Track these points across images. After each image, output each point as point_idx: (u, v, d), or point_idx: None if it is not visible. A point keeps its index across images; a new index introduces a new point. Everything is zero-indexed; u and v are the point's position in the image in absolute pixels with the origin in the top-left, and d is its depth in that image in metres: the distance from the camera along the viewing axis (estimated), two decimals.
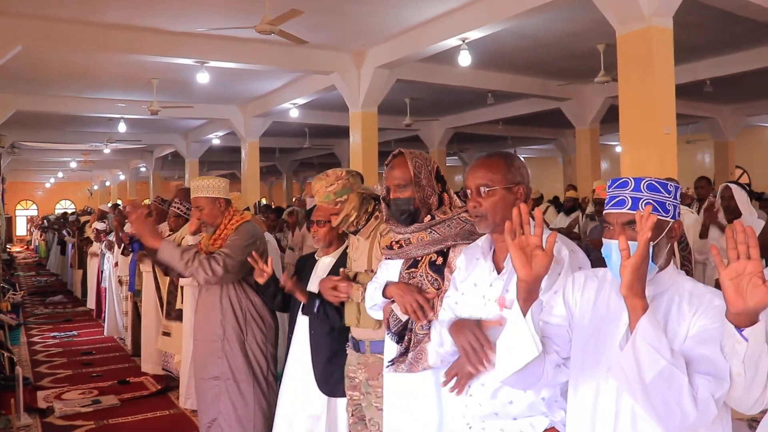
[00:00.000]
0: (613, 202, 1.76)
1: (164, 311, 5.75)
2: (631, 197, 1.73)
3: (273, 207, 9.33)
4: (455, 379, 2.13)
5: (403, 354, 2.45)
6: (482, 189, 2.09)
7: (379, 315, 2.64)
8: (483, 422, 2.07)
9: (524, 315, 1.75)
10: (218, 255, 3.64)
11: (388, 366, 2.51)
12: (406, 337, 2.47)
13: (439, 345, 2.22)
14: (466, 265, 2.23)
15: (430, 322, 2.40)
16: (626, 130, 6.05)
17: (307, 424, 3.32)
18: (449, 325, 2.14)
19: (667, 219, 1.73)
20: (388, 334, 2.53)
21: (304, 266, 3.50)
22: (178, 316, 5.46)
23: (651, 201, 1.71)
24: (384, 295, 2.54)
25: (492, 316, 2.06)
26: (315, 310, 3.22)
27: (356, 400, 2.96)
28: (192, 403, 5.30)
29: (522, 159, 2.21)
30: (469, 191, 2.14)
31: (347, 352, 3.04)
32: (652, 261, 1.69)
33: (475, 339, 2.01)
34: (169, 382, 6.14)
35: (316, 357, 3.26)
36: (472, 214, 2.14)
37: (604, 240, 1.77)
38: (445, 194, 2.61)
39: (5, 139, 15.01)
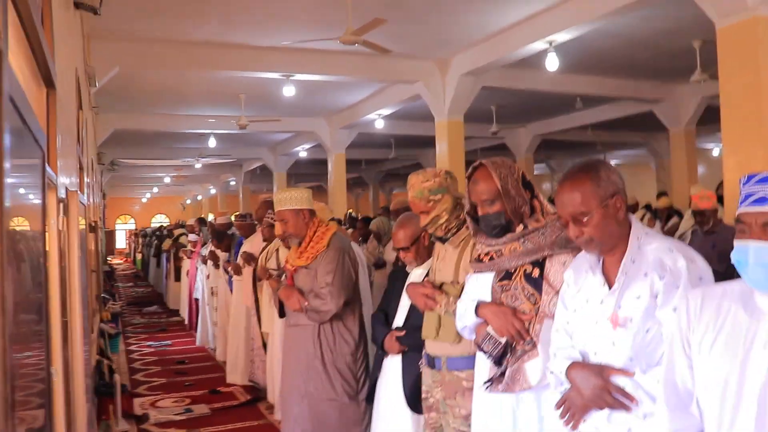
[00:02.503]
0: (752, 199, 1.55)
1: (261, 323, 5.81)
2: None
3: (360, 218, 9.31)
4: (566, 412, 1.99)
5: (501, 374, 2.31)
6: (578, 217, 1.94)
7: (471, 336, 2.50)
8: (596, 429, 1.91)
9: None
10: (321, 290, 3.68)
11: (485, 387, 2.36)
12: (505, 359, 2.33)
13: (558, 385, 2.07)
14: (575, 279, 2.07)
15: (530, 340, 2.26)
16: (729, 131, 5.69)
17: None
18: (569, 370, 1.98)
19: None
20: (487, 357, 2.38)
21: (396, 281, 3.41)
22: None
23: None
24: (476, 315, 2.41)
25: (604, 335, 1.93)
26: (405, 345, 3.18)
27: (433, 421, 2.82)
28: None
29: (610, 163, 2.01)
30: (564, 221, 1.99)
31: (421, 369, 2.92)
32: None
33: (609, 395, 1.88)
34: (257, 393, 6.19)
35: (407, 372, 3.14)
36: (576, 242, 1.99)
37: (737, 243, 1.57)
38: (535, 200, 2.45)
39: (105, 156, 15.71)
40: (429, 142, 12.23)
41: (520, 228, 2.38)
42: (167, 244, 12.49)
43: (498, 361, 2.33)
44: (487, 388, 2.34)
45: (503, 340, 2.31)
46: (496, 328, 2.31)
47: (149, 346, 9.31)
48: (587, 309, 1.99)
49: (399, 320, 3.22)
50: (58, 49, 2.76)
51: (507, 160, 2.50)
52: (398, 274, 3.45)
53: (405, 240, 3.10)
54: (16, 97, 0.93)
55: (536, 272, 2.31)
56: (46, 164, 1.65)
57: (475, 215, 2.47)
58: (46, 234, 2.05)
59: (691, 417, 1.65)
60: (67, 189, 2.69)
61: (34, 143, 1.29)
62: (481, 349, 2.39)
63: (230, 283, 6.99)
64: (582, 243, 1.96)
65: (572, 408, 1.95)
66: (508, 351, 2.31)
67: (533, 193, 2.46)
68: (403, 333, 3.15)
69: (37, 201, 1.47)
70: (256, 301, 5.82)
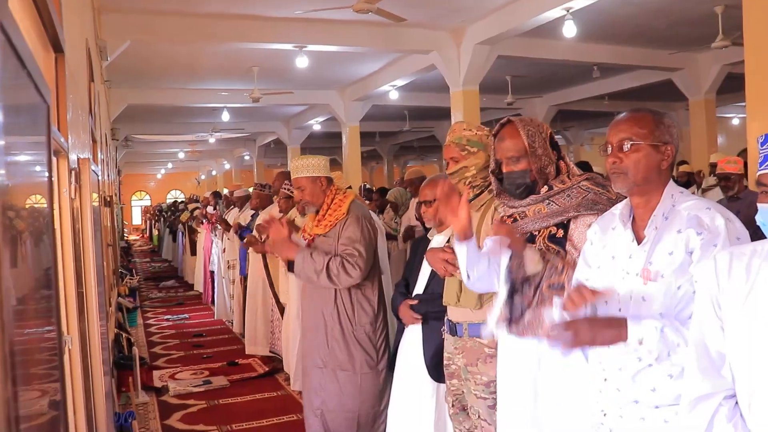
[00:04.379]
0: None
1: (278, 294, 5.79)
2: None
3: (375, 189, 9.26)
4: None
5: (520, 315, 2.22)
6: (625, 143, 1.86)
7: (483, 283, 2.42)
8: (620, 409, 1.85)
9: None
10: (353, 258, 3.51)
11: (498, 325, 2.26)
12: (523, 294, 2.22)
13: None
14: (600, 236, 2.00)
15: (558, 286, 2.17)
16: (753, 95, 5.53)
17: (418, 411, 3.19)
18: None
19: None
20: (505, 283, 2.27)
21: (418, 249, 3.37)
22: None
23: None
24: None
25: (633, 290, 1.85)
26: (423, 311, 3.13)
27: (455, 388, 2.79)
28: (300, 385, 5.32)
29: (672, 119, 1.96)
30: (609, 146, 1.90)
31: (443, 336, 2.88)
32: None
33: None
34: (276, 364, 6.21)
35: (427, 341, 3.10)
36: (610, 171, 1.91)
37: (760, 205, 1.52)
38: (561, 162, 2.37)
39: (119, 132, 15.71)
40: (444, 114, 12.10)
41: (544, 189, 2.30)
42: (185, 216, 12.51)
43: (511, 294, 2.24)
44: (499, 325, 2.27)
45: (529, 272, 2.21)
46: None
47: (167, 319, 9.36)
48: (613, 265, 1.93)
49: (419, 288, 3.18)
50: (68, 16, 2.71)
51: (535, 118, 2.44)
52: (420, 243, 3.40)
53: (431, 194, 3.07)
54: (5, 22, 0.85)
55: (560, 233, 2.24)
56: (52, 124, 1.58)
57: (499, 175, 2.41)
58: (55, 202, 2.02)
59: (722, 380, 1.60)
60: (78, 157, 2.64)
61: (35, 92, 1.22)
62: (509, 270, 2.27)
63: (242, 251, 6.99)
64: (616, 172, 1.89)
65: (578, 333, 1.81)
66: (526, 289, 2.22)
67: (560, 154, 2.39)
68: (416, 302, 3.11)
69: (42, 167, 1.41)
70: (269, 273, 5.81)
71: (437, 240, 3.09)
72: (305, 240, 3.84)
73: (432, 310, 3.05)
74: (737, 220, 1.83)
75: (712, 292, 1.62)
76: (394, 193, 7.42)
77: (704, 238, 1.77)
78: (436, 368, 3.02)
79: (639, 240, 1.89)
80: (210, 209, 9.96)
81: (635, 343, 1.74)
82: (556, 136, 2.44)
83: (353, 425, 3.68)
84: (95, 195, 3.73)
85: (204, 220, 9.71)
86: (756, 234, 1.60)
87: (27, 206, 1.19)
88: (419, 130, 19.65)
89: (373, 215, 4.07)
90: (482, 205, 2.73)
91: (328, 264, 3.49)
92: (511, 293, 2.25)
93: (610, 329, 1.79)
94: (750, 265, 1.57)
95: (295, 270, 3.63)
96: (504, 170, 2.36)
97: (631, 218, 1.95)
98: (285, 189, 5.40)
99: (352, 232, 3.57)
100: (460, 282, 2.67)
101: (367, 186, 13.78)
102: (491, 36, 9.00)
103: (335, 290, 3.66)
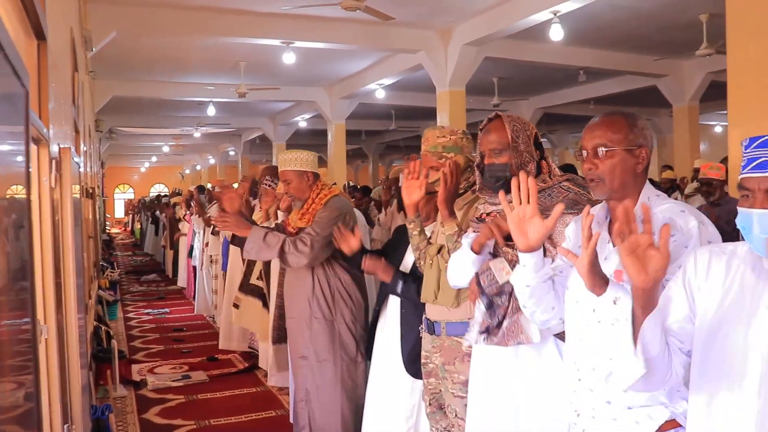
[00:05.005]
0: (754, 164, 1.50)
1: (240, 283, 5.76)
2: None
3: (359, 187, 9.25)
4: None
5: (498, 325, 2.26)
6: (600, 149, 1.87)
7: (465, 282, 2.43)
8: (593, 410, 1.87)
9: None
10: (305, 235, 3.54)
11: (482, 338, 2.30)
12: (498, 305, 2.26)
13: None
14: (575, 235, 2.02)
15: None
16: (735, 102, 5.59)
17: (393, 406, 3.20)
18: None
19: None
20: (481, 296, 2.31)
21: (402, 236, 3.37)
22: (252, 290, 5.44)
23: None
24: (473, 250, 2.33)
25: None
26: (398, 289, 3.11)
27: (432, 387, 2.80)
28: (276, 381, 5.33)
29: (646, 120, 1.96)
30: (584, 152, 1.91)
31: (421, 335, 2.89)
32: None
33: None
34: (255, 360, 6.19)
35: (405, 337, 3.11)
36: (587, 177, 1.92)
37: (740, 209, 1.52)
38: (544, 162, 2.41)
39: (103, 124, 15.58)
40: (430, 114, 12.14)
41: None
42: (179, 199, 12.37)
43: (489, 304, 2.28)
44: (484, 339, 2.29)
45: (502, 280, 2.26)
46: (483, 233, 2.29)
47: (147, 313, 9.31)
48: None
49: (407, 265, 3.20)
50: (51, 3, 2.68)
51: (524, 117, 2.49)
52: (404, 228, 3.42)
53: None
54: None
55: None
56: (32, 110, 1.56)
57: (482, 168, 2.44)
58: (34, 191, 2.00)
59: (677, 354, 1.63)
60: (59, 146, 2.62)
61: (14, 77, 1.20)
62: (479, 284, 2.32)
63: (224, 247, 6.95)
64: (592, 179, 1.90)
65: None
66: (502, 299, 2.25)
67: (542, 154, 2.43)
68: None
69: (20, 155, 1.40)
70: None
71: None
72: (289, 233, 3.84)
73: (409, 296, 3.07)
74: (710, 224, 1.84)
75: (688, 286, 1.64)
76: (378, 192, 7.43)
77: (676, 239, 1.78)
78: (413, 364, 3.03)
79: (615, 242, 1.90)
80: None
81: (609, 302, 1.69)
82: (541, 139, 2.46)
83: (336, 417, 3.69)
84: (76, 186, 3.70)
85: (187, 211, 9.66)
86: (732, 238, 1.62)
87: (3, 195, 1.18)
88: (405, 129, 19.68)
89: (357, 212, 4.08)
90: (465, 204, 2.76)
91: (282, 243, 3.55)
92: (488, 306, 2.28)
93: (595, 276, 1.71)
94: (730, 265, 1.59)
95: (245, 247, 3.65)
96: (485, 162, 2.39)
97: (608, 220, 1.96)
98: (265, 185, 5.36)
99: (320, 217, 3.61)
100: (438, 279, 2.68)
101: (352, 184, 13.77)
102: (479, 37, 9.03)
103: (313, 280, 3.69)
